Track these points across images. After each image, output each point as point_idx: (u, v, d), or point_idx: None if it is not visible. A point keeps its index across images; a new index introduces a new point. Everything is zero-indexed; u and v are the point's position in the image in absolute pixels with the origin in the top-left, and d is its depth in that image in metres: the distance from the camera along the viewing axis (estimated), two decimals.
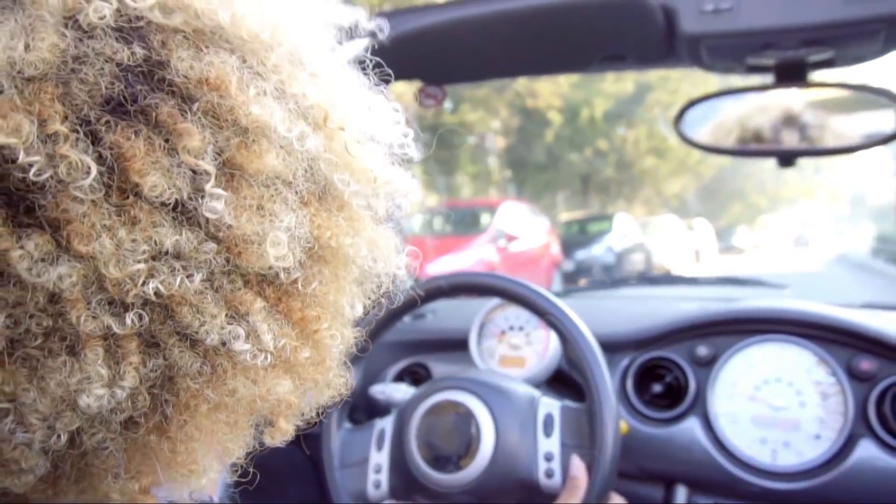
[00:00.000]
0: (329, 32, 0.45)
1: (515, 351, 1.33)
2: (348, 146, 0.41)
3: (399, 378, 1.45)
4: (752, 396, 1.20)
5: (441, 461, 1.07)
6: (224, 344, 0.37)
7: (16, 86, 0.32)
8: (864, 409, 1.12)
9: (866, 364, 1.14)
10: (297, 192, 0.39)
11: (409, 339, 1.45)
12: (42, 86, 0.33)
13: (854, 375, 1.15)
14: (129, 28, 0.35)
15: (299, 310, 0.41)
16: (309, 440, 1.30)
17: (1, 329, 0.33)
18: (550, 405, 1.09)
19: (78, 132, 0.33)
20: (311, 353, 0.43)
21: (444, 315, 1.50)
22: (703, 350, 1.24)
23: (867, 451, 1.09)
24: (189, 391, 0.38)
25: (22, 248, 0.32)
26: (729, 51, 1.03)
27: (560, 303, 1.08)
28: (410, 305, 1.17)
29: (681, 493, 1.20)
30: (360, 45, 0.48)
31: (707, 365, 1.24)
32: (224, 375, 0.39)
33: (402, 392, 1.23)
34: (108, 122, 0.33)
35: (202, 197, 0.35)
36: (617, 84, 17.86)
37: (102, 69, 0.33)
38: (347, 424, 1.21)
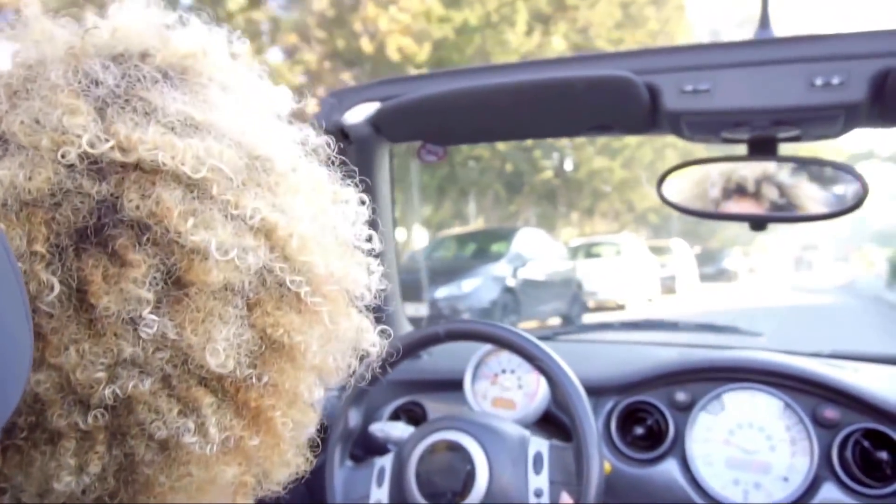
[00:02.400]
0: (295, 137, 0.51)
1: (507, 393, 1.42)
2: (299, 251, 0.45)
3: (395, 416, 1.52)
4: (726, 440, 1.30)
5: (439, 497, 1.15)
6: (175, 437, 0.42)
7: (16, 205, 0.39)
8: (828, 454, 1.22)
9: (830, 412, 1.24)
10: (244, 299, 0.44)
11: (406, 378, 1.53)
12: (34, 210, 0.39)
13: (819, 422, 1.24)
14: (98, 168, 0.40)
15: (255, 399, 0.45)
16: (310, 477, 1.37)
17: None
18: (540, 444, 1.18)
19: (53, 255, 0.39)
20: (263, 438, 0.47)
21: (439, 356, 1.59)
22: (681, 395, 1.33)
23: (830, 494, 1.18)
24: (147, 477, 0.43)
25: None
26: (706, 126, 1.14)
27: (548, 349, 1.17)
28: (410, 350, 1.26)
29: None
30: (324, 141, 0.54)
31: (685, 410, 1.33)
32: (177, 463, 0.43)
33: (399, 430, 1.31)
34: (76, 249, 0.39)
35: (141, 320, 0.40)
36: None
37: (79, 204, 0.39)
38: (349, 462, 1.28)
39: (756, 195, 1.20)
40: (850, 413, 1.23)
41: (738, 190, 1.17)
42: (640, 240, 19.45)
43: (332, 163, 0.53)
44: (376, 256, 0.54)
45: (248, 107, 0.49)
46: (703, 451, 1.30)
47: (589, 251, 15.76)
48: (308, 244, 0.46)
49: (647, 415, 1.35)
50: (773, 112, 1.07)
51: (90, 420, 0.40)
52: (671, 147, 18.86)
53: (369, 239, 0.54)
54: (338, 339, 0.50)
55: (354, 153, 1.34)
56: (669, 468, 1.29)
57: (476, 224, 18.31)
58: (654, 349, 1.60)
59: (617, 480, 1.30)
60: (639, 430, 1.35)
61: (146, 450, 0.42)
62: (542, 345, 1.18)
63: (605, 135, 1.30)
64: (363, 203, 0.54)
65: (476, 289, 9.06)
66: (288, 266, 0.45)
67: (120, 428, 0.41)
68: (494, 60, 13.67)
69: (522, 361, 1.41)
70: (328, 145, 0.53)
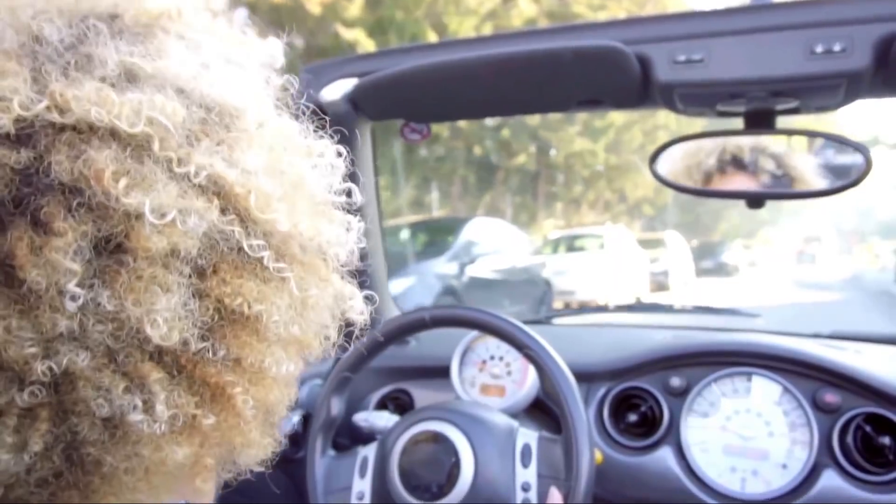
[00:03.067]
0: (268, 91, 0.47)
1: (496, 380, 1.37)
2: (258, 208, 0.42)
3: (381, 404, 1.48)
4: (723, 426, 1.25)
5: (422, 490, 1.10)
6: (120, 415, 0.39)
7: None
8: (828, 440, 1.17)
9: (830, 396, 1.19)
10: (192, 266, 0.40)
11: (392, 365, 1.49)
12: None
13: (819, 407, 1.20)
14: (23, 134, 0.37)
15: (213, 375, 0.42)
16: (293, 466, 1.33)
17: None
18: (528, 436, 1.13)
19: None
20: (220, 417, 0.43)
21: (426, 342, 1.54)
22: (676, 381, 1.28)
23: (831, 481, 1.14)
24: (93, 457, 0.40)
25: None
26: (700, 98, 1.09)
27: (538, 337, 1.12)
28: (394, 337, 1.21)
29: None
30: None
31: (680, 395, 1.28)
32: (124, 442, 0.40)
33: (384, 420, 1.26)
34: (2, 222, 0.36)
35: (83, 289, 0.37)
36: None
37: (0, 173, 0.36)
38: (331, 451, 1.24)
39: (753, 170, 1.15)
40: (852, 397, 1.19)
41: (733, 164, 1.12)
42: (627, 232, 16.96)
43: (304, 115, 0.49)
44: (356, 212, 0.50)
45: (214, 61, 0.45)
46: (699, 437, 1.25)
47: (570, 245, 14.28)
48: (270, 202, 0.42)
49: (641, 401, 1.31)
50: (771, 82, 1.01)
51: (26, 397, 0.37)
52: (663, 129, 17.83)
53: (348, 193, 0.49)
54: (311, 308, 0.46)
55: (333, 132, 1.28)
56: (664, 456, 1.24)
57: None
58: (648, 332, 1.55)
59: (609, 469, 1.25)
60: (632, 417, 1.30)
61: (91, 428, 0.39)
62: (531, 331, 1.13)
63: (594, 109, 1.24)
64: (340, 155, 0.50)
65: (408, 289, 7.31)
66: (245, 228, 0.42)
67: (63, 405, 0.39)
68: (448, 21, 12.15)
69: (511, 347, 1.37)
70: (298, 97, 0.50)
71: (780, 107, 1.10)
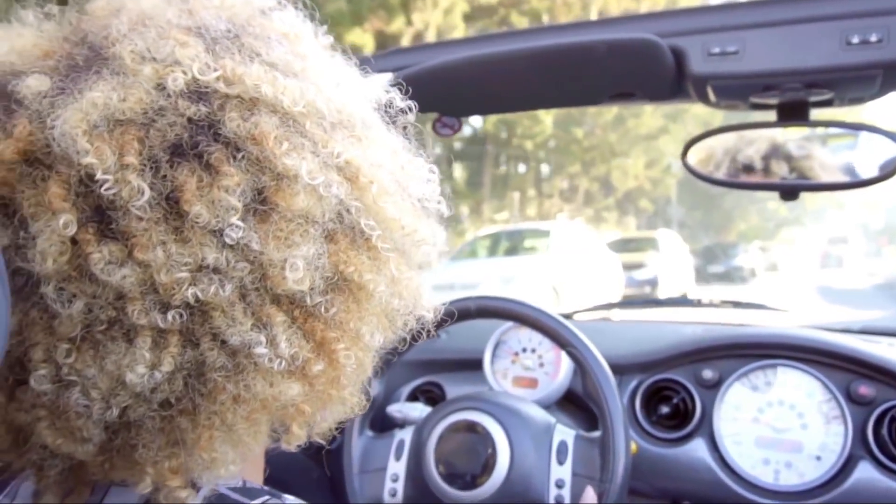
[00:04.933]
0: (373, 105, 0.54)
1: (528, 372, 1.38)
2: (376, 198, 0.49)
3: (413, 396, 1.49)
4: (755, 418, 1.25)
5: (456, 478, 1.12)
6: (247, 346, 0.44)
7: (108, 125, 0.42)
8: (863, 432, 1.17)
9: (864, 389, 1.19)
10: (323, 230, 0.47)
11: (424, 358, 1.50)
12: (127, 128, 0.42)
13: (853, 399, 1.20)
14: (198, 92, 0.44)
15: (321, 330, 0.48)
16: (327, 455, 1.35)
17: (80, 314, 0.42)
18: (565, 433, 1.14)
19: (146, 166, 0.42)
20: (325, 368, 0.49)
21: (457, 335, 1.55)
22: (708, 373, 1.29)
23: (866, 473, 1.14)
24: (215, 383, 0.45)
25: (100, 252, 0.41)
26: (734, 91, 1.09)
27: (582, 336, 1.12)
28: (440, 322, 1.22)
29: None
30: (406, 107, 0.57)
31: (712, 387, 1.28)
32: (245, 374, 0.45)
33: (418, 411, 1.28)
34: (171, 161, 0.42)
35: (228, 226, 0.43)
36: None
37: (175, 121, 0.43)
38: (368, 432, 1.26)
39: (792, 164, 1.15)
40: (886, 389, 1.19)
41: (775, 157, 1.12)
42: (586, 227, 14.23)
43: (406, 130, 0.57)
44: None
45: (335, 71, 0.53)
46: (732, 429, 1.26)
47: (513, 245, 11.52)
48: (385, 194, 0.49)
49: (673, 393, 1.31)
50: (806, 73, 1.01)
51: (169, 318, 0.42)
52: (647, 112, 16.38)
53: (439, 203, 0.56)
54: (403, 290, 0.53)
55: None
56: (697, 447, 1.25)
57: None
58: (677, 326, 1.55)
59: (642, 461, 1.26)
60: (664, 409, 1.31)
61: (217, 356, 0.44)
62: (576, 329, 1.13)
63: (625, 103, 1.25)
64: (433, 172, 0.56)
65: None
66: (365, 210, 0.48)
67: (193, 332, 0.44)
68: None
69: (543, 339, 1.38)
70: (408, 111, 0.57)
71: (814, 98, 1.10)
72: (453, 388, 1.45)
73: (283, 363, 0.46)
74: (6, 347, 0.38)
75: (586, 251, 11.52)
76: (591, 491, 1.05)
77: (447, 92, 1.23)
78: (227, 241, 0.42)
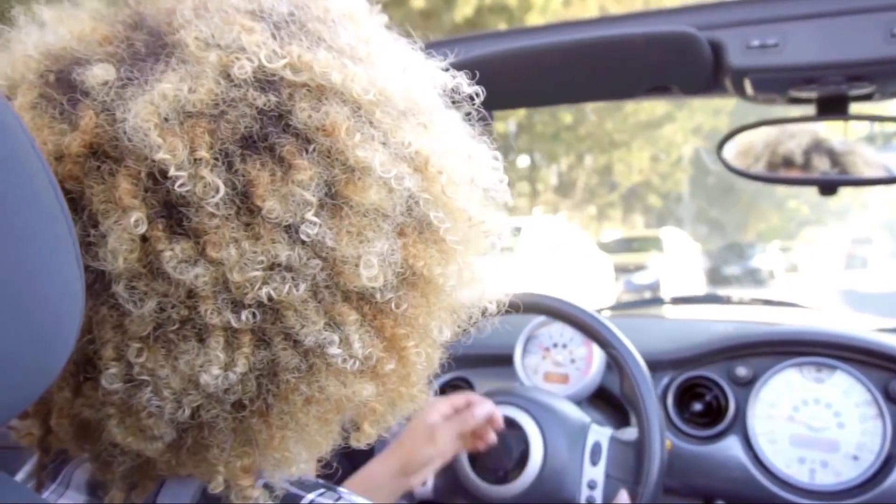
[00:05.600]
0: (437, 90, 0.52)
1: (559, 368, 1.37)
2: (445, 189, 0.47)
3: (442, 392, 1.49)
4: (790, 417, 1.24)
5: (489, 472, 1.12)
6: (320, 347, 0.43)
7: (178, 118, 0.40)
8: None
9: None
10: (394, 224, 0.45)
11: (453, 352, 1.50)
12: (198, 121, 0.40)
13: (891, 398, 1.18)
14: (266, 81, 0.42)
15: (391, 327, 0.47)
16: (357, 455, 1.35)
17: (151, 313, 0.41)
18: (600, 434, 1.13)
19: (218, 160, 0.40)
20: (396, 366, 0.48)
21: (486, 330, 1.55)
22: (742, 370, 1.28)
23: None
24: (288, 384, 0.44)
25: (172, 250, 0.40)
26: (773, 84, 1.08)
27: (622, 337, 1.11)
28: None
29: None
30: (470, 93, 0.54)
31: (746, 385, 1.27)
32: (318, 374, 0.44)
33: None
34: (242, 154, 0.41)
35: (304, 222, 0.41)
36: None
37: (245, 112, 0.41)
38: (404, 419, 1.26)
39: (834, 157, 1.14)
40: None
41: (815, 151, 1.10)
42: (572, 225, 12.85)
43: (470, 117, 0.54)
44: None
45: (400, 55, 0.51)
46: (766, 428, 1.24)
47: None
48: (453, 184, 0.47)
49: (706, 390, 1.30)
50: (848, 66, 1.00)
51: (243, 318, 0.41)
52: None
53: (505, 192, 0.54)
54: (471, 282, 0.52)
55: None
56: (730, 445, 1.24)
57: None
58: (709, 324, 1.54)
59: (675, 458, 1.25)
60: (697, 407, 1.30)
61: (290, 356, 0.43)
62: (618, 331, 1.11)
63: (661, 97, 1.24)
64: (496, 159, 0.54)
65: None
66: (433, 202, 0.46)
67: (265, 332, 0.43)
68: None
69: (575, 335, 1.37)
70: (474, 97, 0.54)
71: (854, 92, 1.09)
72: (483, 383, 1.44)
73: (357, 363, 0.45)
74: (77, 336, 0.37)
75: (566, 251, 10.45)
76: (624, 494, 1.05)
77: (482, 86, 1.23)
78: (303, 237, 0.41)
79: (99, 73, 0.41)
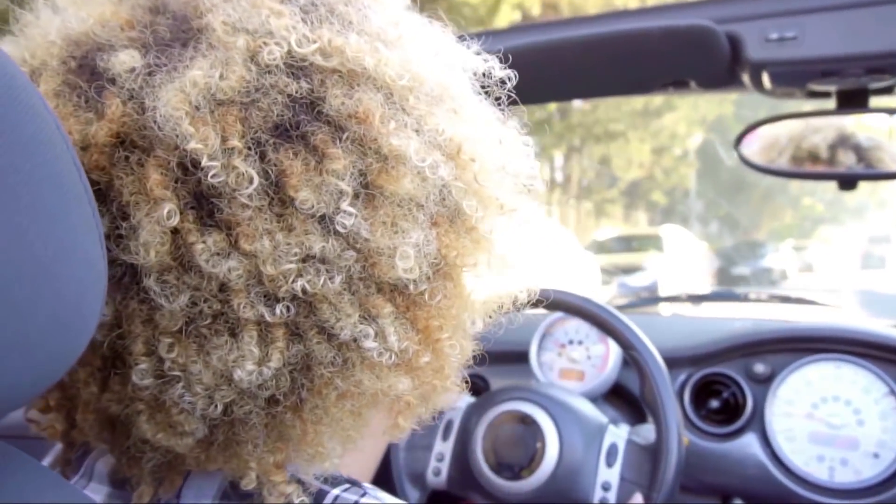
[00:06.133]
0: (467, 75, 0.50)
1: (575, 365, 1.37)
2: (478, 176, 0.45)
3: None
4: (809, 414, 1.22)
5: (503, 468, 1.11)
6: (355, 340, 0.42)
7: (209, 105, 0.39)
8: None
9: None
10: (427, 214, 0.44)
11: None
12: (229, 109, 0.39)
13: None
14: (296, 67, 0.41)
15: (424, 319, 0.45)
16: None
17: (183, 308, 0.40)
18: (617, 436, 1.12)
19: (250, 149, 0.39)
20: (431, 359, 0.47)
21: (501, 327, 1.54)
22: (759, 367, 1.26)
23: None
24: (322, 378, 0.43)
25: (204, 242, 0.39)
26: (791, 77, 1.07)
27: (648, 342, 1.10)
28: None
29: None
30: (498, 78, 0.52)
31: (764, 382, 1.26)
32: (352, 368, 0.44)
33: (462, 402, 1.28)
34: (274, 143, 0.40)
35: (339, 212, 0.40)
36: None
37: (276, 100, 0.40)
38: None
39: (860, 152, 1.13)
40: None
41: (840, 145, 1.09)
42: (555, 221, 13.53)
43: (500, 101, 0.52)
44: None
45: (431, 38, 0.49)
46: (785, 425, 1.23)
47: None
48: (486, 171, 0.46)
49: (723, 387, 1.29)
50: (869, 58, 0.99)
51: (277, 312, 0.40)
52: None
53: (537, 180, 0.53)
54: (500, 275, 0.50)
55: None
56: (748, 443, 1.22)
57: None
58: (725, 321, 1.53)
59: (692, 455, 1.24)
60: (713, 403, 1.29)
61: (325, 350, 0.42)
62: (642, 334, 1.10)
63: (677, 92, 1.23)
64: (527, 145, 0.53)
65: None
66: (466, 190, 0.45)
67: (299, 326, 0.42)
68: None
69: (591, 332, 1.36)
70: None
71: (874, 85, 1.07)
72: (497, 380, 1.44)
73: (393, 357, 0.44)
74: (99, 316, 0.37)
75: (546, 251, 9.82)
76: (639, 496, 1.04)
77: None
78: (339, 228, 0.40)
79: (125, 60, 0.40)
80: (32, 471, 0.37)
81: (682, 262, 12.92)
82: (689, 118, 17.59)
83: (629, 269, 11.81)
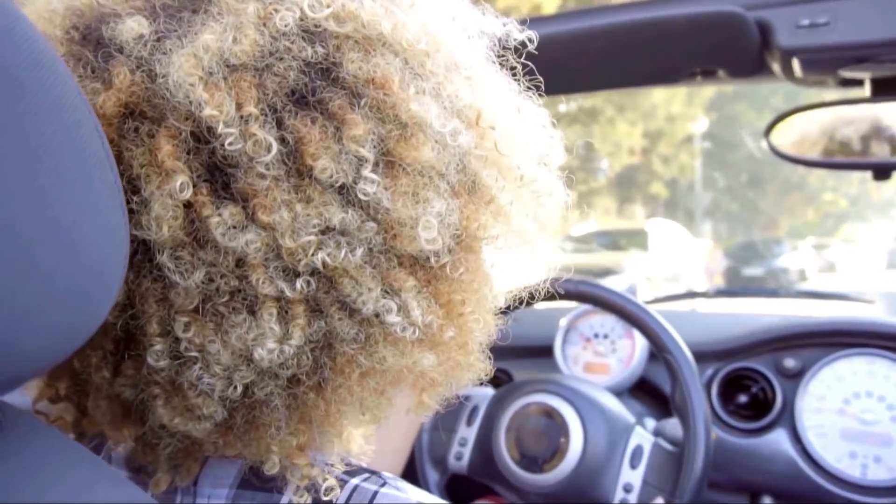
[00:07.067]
0: (483, 41, 0.48)
1: (600, 358, 1.35)
2: (498, 145, 0.44)
3: (479, 382, 1.48)
4: (841, 410, 1.20)
5: (525, 459, 1.11)
6: (377, 315, 0.41)
7: (223, 71, 0.38)
8: None
9: None
10: (448, 183, 0.42)
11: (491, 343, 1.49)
12: (243, 74, 0.38)
13: None
14: (309, 32, 0.39)
15: (447, 293, 0.44)
16: None
17: (198, 285, 0.39)
18: (643, 438, 1.10)
19: (266, 116, 0.38)
20: (455, 333, 0.45)
21: (526, 321, 1.53)
22: (790, 362, 1.24)
23: None
24: (345, 356, 0.42)
25: (219, 215, 0.37)
26: (823, 65, 1.04)
27: (683, 345, 1.08)
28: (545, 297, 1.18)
29: (766, 503, 1.21)
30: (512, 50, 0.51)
31: (794, 377, 1.23)
32: (375, 345, 0.42)
33: (489, 390, 1.27)
34: (290, 110, 0.38)
35: (361, 180, 0.39)
36: None
37: (291, 65, 0.38)
38: None
39: (876, 141, 1.10)
40: None
41: (874, 137, 1.07)
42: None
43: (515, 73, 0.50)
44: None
45: (446, 3, 0.48)
46: (816, 421, 1.20)
47: None
48: (506, 139, 0.44)
49: (752, 382, 1.27)
50: None
51: (297, 287, 0.39)
52: None
53: (557, 151, 0.51)
54: (521, 247, 0.49)
55: None
56: (778, 439, 1.20)
57: None
58: (754, 316, 1.50)
59: (719, 451, 1.22)
60: (742, 399, 1.26)
61: (347, 326, 0.41)
62: (678, 338, 1.08)
63: (704, 82, 1.21)
64: (545, 116, 0.51)
65: None
66: (487, 158, 0.44)
67: (320, 302, 0.40)
68: None
69: (616, 325, 1.35)
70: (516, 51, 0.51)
71: None
72: (522, 374, 1.43)
73: (417, 331, 0.42)
74: (121, 284, 0.36)
75: None
76: (661, 500, 1.02)
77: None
78: (361, 196, 0.38)
79: (133, 27, 0.39)
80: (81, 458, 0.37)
81: (671, 261, 11.40)
82: (682, 96, 15.22)
83: (603, 273, 9.67)
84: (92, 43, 0.40)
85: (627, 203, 20.55)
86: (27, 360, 0.31)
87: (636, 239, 11.89)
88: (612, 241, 11.93)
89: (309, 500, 0.45)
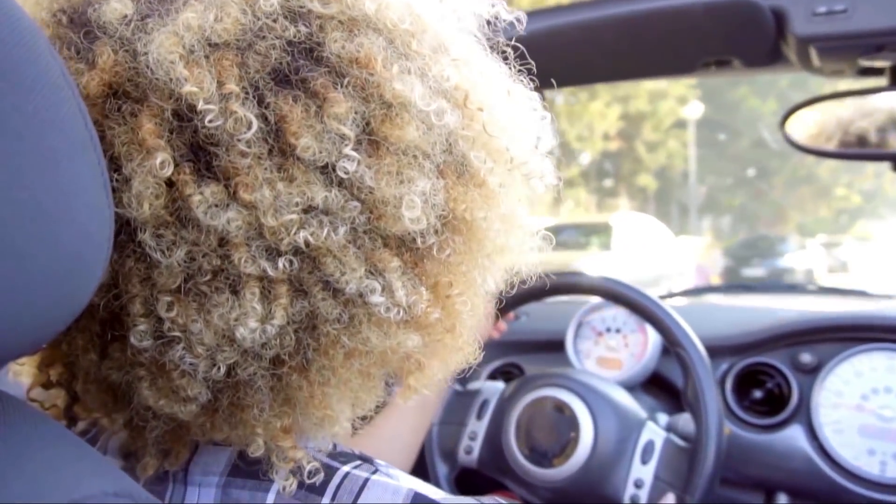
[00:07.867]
0: (473, 23, 0.48)
1: (612, 353, 1.34)
2: (486, 126, 0.44)
3: (492, 377, 1.47)
4: (858, 406, 1.17)
5: (535, 454, 1.10)
6: (361, 296, 0.41)
7: (204, 49, 0.38)
8: None
9: None
10: (434, 164, 0.42)
11: (504, 338, 1.48)
12: (224, 52, 0.38)
13: None
14: (293, 11, 0.40)
15: (434, 275, 0.44)
16: None
17: (181, 264, 0.39)
18: (655, 433, 1.09)
19: (248, 94, 0.38)
20: (441, 315, 0.45)
21: (538, 316, 1.52)
22: (806, 357, 1.22)
23: None
24: (328, 336, 0.42)
25: (201, 194, 0.37)
26: (841, 53, 1.02)
27: (696, 340, 1.07)
28: (549, 291, 1.17)
29: (782, 501, 1.19)
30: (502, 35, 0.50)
31: (811, 372, 1.21)
32: (359, 325, 0.42)
33: (500, 385, 1.26)
34: (273, 88, 0.38)
35: (342, 158, 0.38)
36: None
37: (273, 44, 0.38)
38: (456, 386, 1.26)
39: (894, 133, 1.08)
40: None
41: (892, 129, 1.04)
42: None
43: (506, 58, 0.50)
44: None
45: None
46: (833, 417, 1.18)
47: None
48: (495, 121, 0.44)
49: (767, 377, 1.25)
50: None
51: (280, 266, 0.39)
52: None
53: (547, 134, 0.50)
54: (515, 228, 0.49)
55: None
56: (794, 435, 1.18)
57: None
58: (770, 310, 1.48)
59: (734, 447, 1.20)
60: (757, 394, 1.24)
61: (330, 307, 0.41)
62: (692, 334, 1.07)
63: (719, 73, 1.19)
64: (535, 99, 0.50)
65: None
66: (473, 140, 0.44)
67: (303, 282, 0.40)
68: None
69: (628, 319, 1.33)
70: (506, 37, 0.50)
71: None
72: (533, 368, 1.42)
73: (401, 312, 0.42)
74: (107, 263, 0.36)
75: None
76: (671, 496, 1.01)
77: (529, 64, 1.20)
78: (341, 174, 0.38)
79: (117, 7, 0.39)
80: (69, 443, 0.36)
81: (642, 260, 9.86)
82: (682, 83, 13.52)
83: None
84: (78, 25, 0.40)
85: (609, 196, 18.67)
86: (7, 341, 0.30)
87: (596, 236, 10.32)
88: (571, 237, 10.40)
89: (295, 486, 0.45)
